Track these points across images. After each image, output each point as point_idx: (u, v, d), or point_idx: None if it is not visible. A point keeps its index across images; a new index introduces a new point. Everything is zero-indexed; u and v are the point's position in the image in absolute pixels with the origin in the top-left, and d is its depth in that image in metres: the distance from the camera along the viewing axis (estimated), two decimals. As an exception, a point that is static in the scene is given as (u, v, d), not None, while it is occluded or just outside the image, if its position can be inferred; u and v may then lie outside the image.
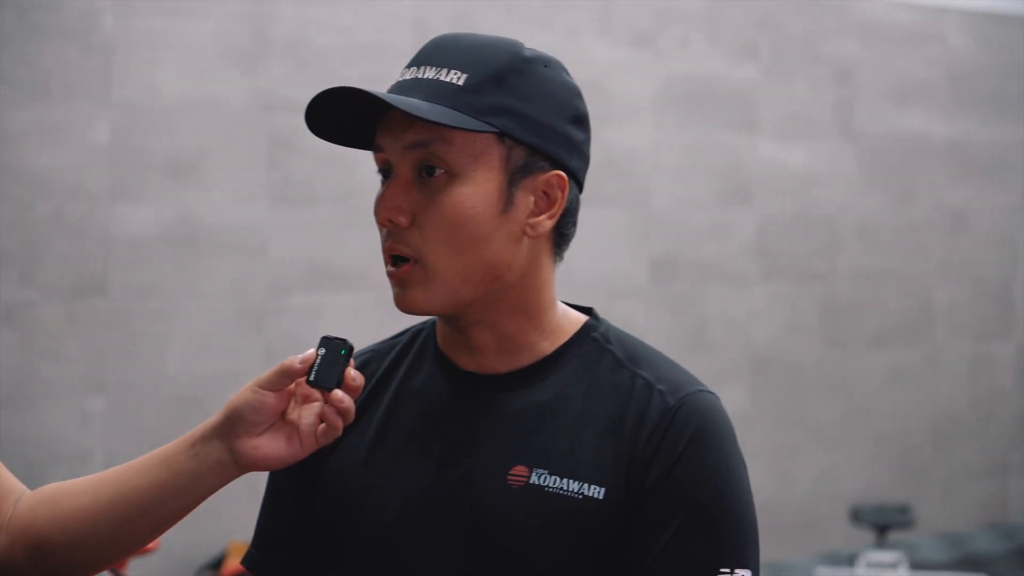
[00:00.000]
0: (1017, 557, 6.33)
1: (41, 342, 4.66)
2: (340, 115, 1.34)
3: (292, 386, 1.32)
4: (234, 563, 4.72)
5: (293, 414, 1.32)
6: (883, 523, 5.49)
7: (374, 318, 5.11)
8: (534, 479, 1.33)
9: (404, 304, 1.35)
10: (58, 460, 4.63)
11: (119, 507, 1.31)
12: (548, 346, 1.39)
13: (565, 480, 1.32)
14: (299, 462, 1.38)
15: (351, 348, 1.31)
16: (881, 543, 5.50)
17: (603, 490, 1.31)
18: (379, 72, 5.12)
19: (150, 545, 3.85)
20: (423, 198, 1.31)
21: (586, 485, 1.32)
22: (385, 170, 1.35)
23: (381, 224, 1.34)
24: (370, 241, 5.36)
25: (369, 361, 1.47)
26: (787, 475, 6.24)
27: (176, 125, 4.84)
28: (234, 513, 4.96)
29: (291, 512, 1.46)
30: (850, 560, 5.67)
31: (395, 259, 1.35)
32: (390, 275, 1.35)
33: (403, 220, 1.31)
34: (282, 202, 5.07)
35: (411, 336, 1.48)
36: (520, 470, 1.34)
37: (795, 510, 6.24)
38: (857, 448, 6.44)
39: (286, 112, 5.00)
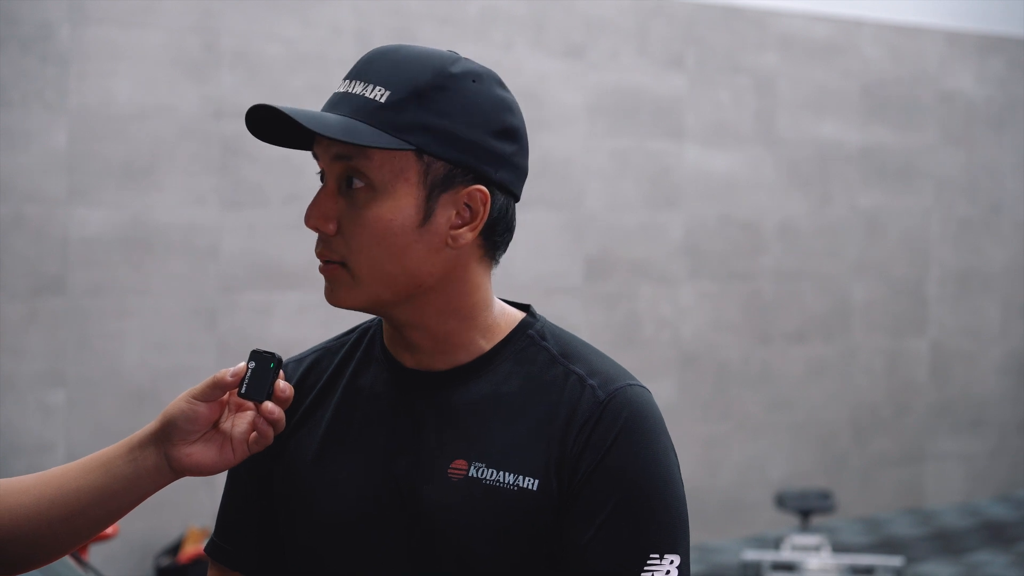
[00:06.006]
0: (932, 540, 6.42)
1: (2, 339, 4.69)
2: (281, 122, 1.38)
3: (225, 397, 1.35)
4: (192, 548, 4.77)
5: (226, 423, 1.36)
6: (806, 508, 5.54)
7: (320, 315, 5.19)
8: (472, 472, 1.35)
9: (332, 299, 1.38)
10: (20, 451, 4.67)
11: (59, 507, 1.33)
12: (486, 344, 1.41)
13: (501, 473, 1.34)
14: (257, 456, 1.44)
15: (280, 361, 1.34)
16: (804, 527, 5.59)
17: (536, 482, 1.33)
18: (322, 81, 5.23)
19: (109, 531, 3.97)
20: (348, 208, 1.34)
21: (520, 477, 1.34)
22: (322, 174, 1.38)
23: (311, 229, 1.37)
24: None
25: (320, 359, 1.49)
26: (715, 463, 6.34)
27: (130, 131, 4.90)
28: (192, 501, 5.04)
29: (250, 503, 1.49)
30: (775, 543, 5.86)
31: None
32: (321, 271, 1.39)
33: (330, 228, 1.34)
34: (232, 205, 5.12)
35: (360, 334, 1.50)
36: (460, 464, 1.36)
37: (722, 496, 6.34)
38: (780, 438, 6.54)
39: (235, 119, 5.05)
